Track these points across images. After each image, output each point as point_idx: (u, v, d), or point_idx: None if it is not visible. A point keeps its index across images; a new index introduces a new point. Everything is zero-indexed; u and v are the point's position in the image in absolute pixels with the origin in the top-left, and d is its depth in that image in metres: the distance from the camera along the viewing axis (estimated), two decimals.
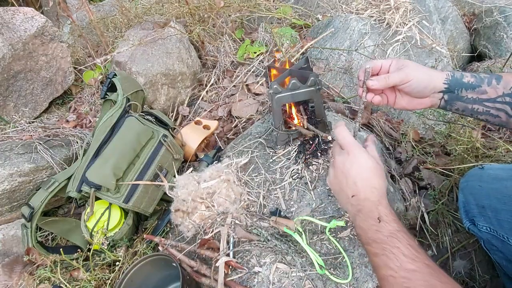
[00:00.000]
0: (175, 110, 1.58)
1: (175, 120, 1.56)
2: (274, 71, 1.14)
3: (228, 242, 0.88)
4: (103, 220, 1.04)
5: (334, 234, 0.87)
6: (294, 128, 1.08)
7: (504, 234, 0.80)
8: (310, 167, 1.01)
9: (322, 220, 0.89)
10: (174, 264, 0.81)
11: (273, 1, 1.91)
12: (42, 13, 1.65)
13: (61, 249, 0.98)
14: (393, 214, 0.62)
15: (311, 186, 0.97)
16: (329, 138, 1.03)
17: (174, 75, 1.54)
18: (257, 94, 1.53)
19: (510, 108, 0.68)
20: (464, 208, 0.92)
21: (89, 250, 1.03)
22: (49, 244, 1.17)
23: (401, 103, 0.78)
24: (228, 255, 0.85)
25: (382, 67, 0.75)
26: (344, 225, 0.81)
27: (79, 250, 1.02)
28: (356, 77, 0.80)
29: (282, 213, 0.93)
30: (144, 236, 1.02)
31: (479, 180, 0.90)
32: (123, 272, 0.87)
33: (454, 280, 0.55)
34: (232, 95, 1.58)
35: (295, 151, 1.06)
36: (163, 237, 0.99)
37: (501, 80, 0.68)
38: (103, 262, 0.99)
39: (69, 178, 1.07)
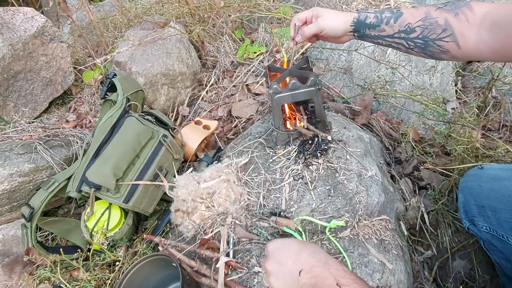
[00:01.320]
0: (175, 110, 1.58)
1: (175, 120, 1.56)
2: (273, 72, 1.14)
3: (228, 242, 0.88)
4: (103, 220, 1.04)
5: (334, 234, 0.88)
6: (294, 128, 1.08)
7: (503, 234, 0.80)
8: (310, 167, 1.01)
9: (322, 220, 0.89)
10: (174, 264, 0.81)
11: (273, 1, 1.91)
12: (42, 13, 1.64)
13: (61, 249, 0.98)
14: (349, 272, 0.57)
15: (311, 186, 0.97)
16: (329, 138, 1.03)
17: (174, 75, 1.54)
18: (257, 94, 1.53)
19: (405, 42, 0.78)
20: (463, 208, 0.92)
21: (89, 250, 1.03)
22: (49, 244, 1.17)
23: (328, 41, 0.96)
24: (228, 255, 0.85)
25: (307, 18, 0.93)
26: (344, 225, 0.81)
27: (79, 250, 1.02)
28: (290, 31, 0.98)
29: (282, 214, 0.93)
30: (144, 236, 1.02)
31: (478, 180, 0.90)
32: (123, 272, 0.87)
33: None
34: (232, 95, 1.58)
35: (295, 151, 1.06)
36: (163, 237, 0.99)
37: (399, 19, 0.78)
38: (103, 262, 0.99)
39: (69, 178, 1.07)
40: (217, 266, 0.81)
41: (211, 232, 0.92)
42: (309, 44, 1.58)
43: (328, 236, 0.85)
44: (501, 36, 0.63)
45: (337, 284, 0.54)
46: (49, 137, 1.32)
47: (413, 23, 0.76)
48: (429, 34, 0.74)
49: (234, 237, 0.89)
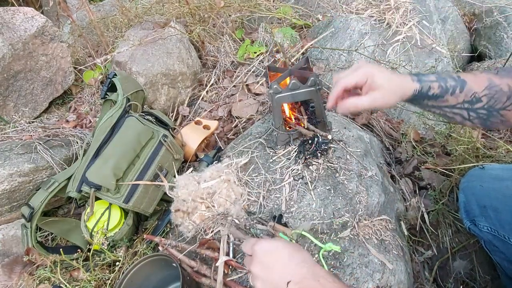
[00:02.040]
0: (175, 110, 1.58)
1: (175, 120, 1.56)
2: (273, 72, 1.14)
3: (228, 242, 0.88)
4: (103, 220, 1.04)
5: (326, 260, 0.84)
6: (294, 128, 1.08)
7: (505, 234, 0.80)
8: (310, 167, 1.01)
9: (321, 224, 0.89)
10: (174, 264, 0.81)
11: (273, 1, 1.91)
12: (42, 13, 1.64)
13: (61, 249, 0.98)
14: (338, 281, 0.55)
15: (311, 186, 0.97)
16: (329, 137, 1.03)
17: (174, 75, 1.54)
18: (257, 94, 1.53)
19: (466, 113, 0.70)
20: (464, 208, 0.92)
21: (89, 250, 1.03)
22: (49, 244, 1.17)
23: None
24: (228, 255, 0.85)
25: (358, 84, 0.72)
26: (339, 251, 0.77)
27: (79, 250, 1.02)
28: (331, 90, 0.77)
29: (283, 220, 0.92)
30: (144, 236, 1.02)
31: (480, 180, 0.90)
32: (123, 273, 0.86)
33: None
34: (232, 95, 1.58)
35: (295, 151, 1.05)
36: (163, 237, 0.99)
37: (465, 87, 0.68)
38: (103, 262, 0.99)
39: (69, 178, 1.07)
40: (217, 265, 0.81)
41: (211, 232, 0.92)
42: (309, 44, 1.58)
43: (320, 258, 0.82)
44: None
45: None
46: (49, 137, 1.31)
47: (479, 92, 0.68)
48: (495, 104, 0.67)
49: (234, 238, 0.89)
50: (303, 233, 0.79)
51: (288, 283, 0.55)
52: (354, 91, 0.74)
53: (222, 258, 0.82)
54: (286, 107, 1.15)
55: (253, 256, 0.61)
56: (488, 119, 0.69)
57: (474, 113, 0.69)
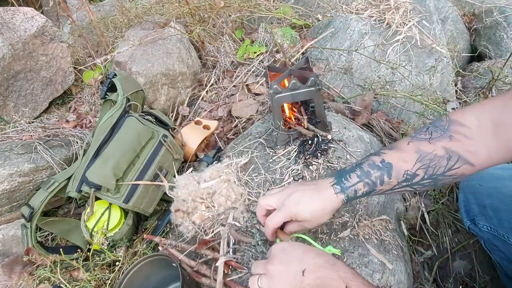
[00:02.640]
0: (175, 110, 1.58)
1: (175, 120, 1.56)
2: (273, 72, 1.14)
3: (228, 242, 0.88)
4: (103, 220, 1.04)
5: (334, 235, 0.87)
6: (294, 128, 1.08)
7: (504, 234, 0.80)
8: (310, 167, 1.01)
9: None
10: (174, 264, 0.81)
11: (273, 1, 1.91)
12: (42, 13, 1.64)
13: (61, 249, 0.98)
14: (357, 275, 0.54)
15: None
16: (329, 136, 1.03)
17: (174, 75, 1.54)
18: (257, 94, 1.53)
19: (410, 188, 0.67)
20: (464, 208, 0.92)
21: (89, 250, 1.03)
22: (49, 244, 1.17)
23: None
24: (228, 254, 0.85)
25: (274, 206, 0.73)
26: (339, 254, 0.76)
27: (79, 250, 1.02)
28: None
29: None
30: (144, 236, 1.02)
31: (479, 179, 0.90)
32: (123, 272, 0.86)
33: None
34: (232, 95, 1.58)
35: (295, 151, 1.06)
36: (163, 237, 0.99)
37: (392, 172, 0.65)
38: (103, 262, 0.99)
39: (69, 178, 1.07)
40: (216, 264, 0.81)
41: (211, 232, 0.92)
42: (309, 44, 1.58)
43: None
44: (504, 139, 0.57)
45: (346, 286, 0.52)
46: (49, 137, 1.31)
47: (411, 169, 0.64)
48: (435, 171, 0.63)
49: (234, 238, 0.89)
50: (302, 236, 0.79)
51: (303, 271, 0.55)
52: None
53: (222, 258, 0.82)
54: (286, 107, 1.15)
55: (270, 257, 0.62)
56: (437, 184, 0.65)
57: (418, 185, 0.65)
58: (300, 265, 0.56)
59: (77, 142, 1.30)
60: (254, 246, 0.87)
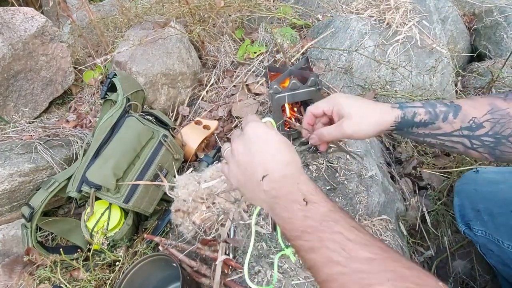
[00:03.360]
0: (175, 110, 1.58)
1: (175, 120, 1.56)
2: (273, 72, 1.14)
3: (228, 242, 0.88)
4: (103, 220, 1.04)
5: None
6: (294, 128, 1.08)
7: (499, 238, 0.79)
8: (310, 167, 1.01)
9: None
10: (174, 264, 0.81)
11: (273, 1, 1.91)
12: (42, 13, 1.64)
13: (61, 249, 0.98)
14: (319, 191, 0.49)
15: None
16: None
17: (174, 75, 1.54)
18: (257, 94, 1.53)
19: (468, 141, 0.62)
20: (459, 212, 0.91)
21: (89, 250, 1.03)
22: (49, 244, 1.17)
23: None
24: (228, 254, 0.85)
25: (325, 112, 0.71)
26: (293, 261, 0.74)
27: (79, 250, 1.02)
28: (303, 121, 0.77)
29: None
30: (145, 235, 1.02)
31: (474, 183, 0.89)
32: (123, 272, 0.87)
33: (416, 264, 0.44)
34: (232, 95, 1.58)
35: None
36: (163, 237, 0.99)
37: (459, 113, 0.61)
38: (103, 262, 0.99)
39: (69, 178, 1.07)
40: (215, 263, 0.81)
41: (212, 232, 0.92)
42: (309, 44, 1.58)
43: (275, 259, 0.80)
44: None
45: (304, 199, 0.46)
46: (49, 137, 1.32)
47: (480, 118, 0.60)
48: (502, 130, 0.58)
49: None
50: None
51: (264, 177, 0.50)
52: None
53: (221, 258, 0.82)
54: (286, 107, 1.15)
55: (242, 136, 0.55)
56: (496, 148, 0.61)
57: (477, 140, 0.61)
58: (263, 168, 0.51)
59: (77, 142, 1.30)
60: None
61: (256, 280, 0.82)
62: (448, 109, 0.62)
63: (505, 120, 0.59)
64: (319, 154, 1.03)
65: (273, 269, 0.80)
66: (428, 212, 1.14)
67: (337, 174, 0.99)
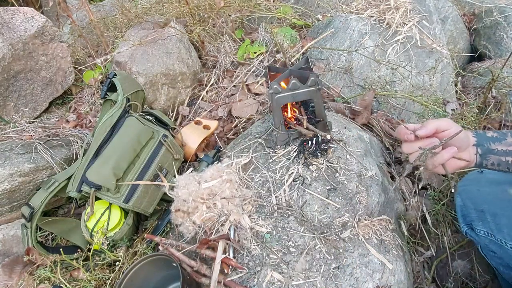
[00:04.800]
0: (175, 110, 1.58)
1: (175, 120, 1.56)
2: (273, 72, 1.14)
3: (228, 242, 0.88)
4: (103, 220, 1.04)
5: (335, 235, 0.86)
6: (294, 128, 1.08)
7: (502, 239, 0.79)
8: (310, 167, 1.01)
9: (325, 218, 0.89)
10: (174, 264, 0.81)
11: (273, 1, 1.91)
12: (42, 13, 1.64)
13: (61, 249, 0.98)
14: None
15: (311, 186, 0.97)
16: (328, 136, 1.03)
17: (174, 75, 1.54)
18: (257, 94, 1.53)
19: None
20: (461, 213, 0.91)
21: (89, 250, 1.03)
22: (49, 244, 1.17)
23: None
24: (228, 254, 0.85)
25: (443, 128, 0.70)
26: None
27: (79, 250, 1.03)
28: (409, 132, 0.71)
29: None
30: (145, 235, 1.02)
31: (477, 184, 0.89)
32: (123, 272, 0.87)
33: None
34: (232, 95, 1.58)
35: (295, 151, 1.06)
36: (163, 237, 0.99)
37: None
38: (103, 262, 0.99)
39: (69, 178, 1.07)
40: (215, 262, 0.81)
41: (212, 232, 0.92)
42: (309, 44, 1.58)
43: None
44: None
45: None
46: (49, 137, 1.32)
47: None
48: None
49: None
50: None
51: None
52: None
53: (220, 257, 0.82)
54: (286, 107, 1.15)
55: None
56: None
57: None
58: None
59: (77, 142, 1.30)
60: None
61: (256, 279, 0.82)
62: (508, 130, 0.68)
63: None
64: (319, 154, 1.03)
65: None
66: (428, 212, 1.14)
67: (337, 174, 0.99)
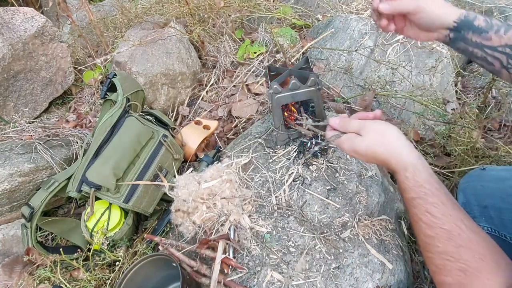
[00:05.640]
0: (175, 110, 1.58)
1: (175, 120, 1.56)
2: (273, 72, 1.14)
3: (228, 242, 0.88)
4: (103, 220, 1.04)
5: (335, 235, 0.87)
6: (294, 128, 1.08)
7: (506, 234, 0.79)
8: (310, 167, 1.01)
9: (325, 218, 0.89)
10: (174, 264, 0.81)
11: (273, 1, 1.91)
12: (42, 13, 1.64)
13: (61, 249, 0.98)
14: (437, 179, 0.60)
15: (311, 186, 0.97)
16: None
17: (174, 75, 1.54)
18: (257, 94, 1.53)
19: (506, 59, 0.68)
20: (464, 209, 0.91)
21: (89, 250, 1.03)
22: (49, 244, 1.17)
23: (408, 33, 0.78)
24: (228, 254, 0.85)
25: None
26: None
27: (79, 250, 1.02)
28: None
29: None
30: (145, 235, 1.02)
31: (480, 180, 0.89)
32: (123, 272, 0.87)
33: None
34: (232, 95, 1.58)
35: (295, 151, 1.06)
36: (163, 237, 0.99)
37: (509, 30, 0.68)
38: (103, 262, 0.99)
39: (69, 178, 1.07)
40: (215, 262, 0.81)
41: (212, 232, 0.92)
42: (309, 44, 1.58)
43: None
44: None
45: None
46: (49, 137, 1.32)
47: None
48: None
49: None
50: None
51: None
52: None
53: (220, 257, 0.82)
54: (287, 107, 1.15)
55: (359, 126, 0.66)
56: None
57: None
58: (398, 143, 0.65)
59: (77, 142, 1.30)
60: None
61: (256, 279, 0.82)
62: (502, 24, 0.69)
63: None
64: (319, 154, 1.03)
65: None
66: None
67: (337, 174, 0.99)
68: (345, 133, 0.69)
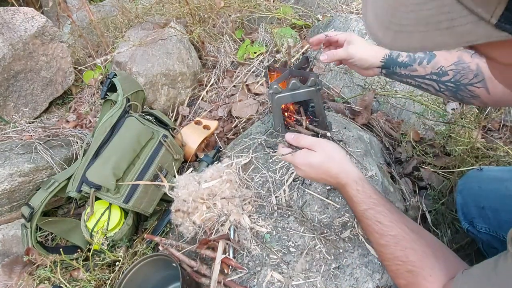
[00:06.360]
0: (175, 110, 1.58)
1: (175, 120, 1.56)
2: (273, 72, 1.14)
3: (228, 242, 0.88)
4: (103, 220, 1.04)
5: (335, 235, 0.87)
6: (294, 128, 1.08)
7: (504, 234, 0.80)
8: None
9: (325, 218, 0.89)
10: (174, 264, 0.81)
11: (273, 1, 1.91)
12: (42, 13, 1.64)
13: (61, 249, 0.98)
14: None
15: (311, 186, 0.97)
16: (328, 134, 1.03)
17: (174, 75, 1.54)
18: (257, 94, 1.53)
19: (436, 84, 0.78)
20: (462, 210, 0.91)
21: (89, 250, 1.03)
22: (49, 244, 1.17)
23: (354, 69, 0.93)
24: (228, 254, 0.85)
25: (339, 40, 0.89)
26: None
27: (79, 250, 1.03)
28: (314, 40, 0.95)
29: None
30: (145, 235, 1.02)
31: (478, 181, 0.90)
32: (123, 272, 0.87)
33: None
34: (232, 95, 1.58)
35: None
36: (163, 237, 0.99)
37: (432, 61, 0.77)
38: (103, 262, 0.99)
39: (69, 178, 1.07)
40: (215, 262, 0.81)
41: (212, 232, 0.92)
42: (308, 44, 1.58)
43: None
44: None
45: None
46: (49, 137, 1.32)
47: (446, 67, 0.75)
48: (461, 79, 0.73)
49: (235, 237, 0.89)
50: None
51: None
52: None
53: (220, 257, 0.82)
54: (287, 107, 1.15)
55: (312, 142, 0.73)
56: (457, 92, 0.75)
57: (443, 85, 0.77)
58: (343, 165, 0.71)
59: (77, 142, 1.30)
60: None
61: (256, 279, 0.82)
62: (425, 56, 0.78)
63: (465, 72, 0.73)
64: None
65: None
66: (428, 212, 1.14)
67: None
68: (298, 149, 0.75)
